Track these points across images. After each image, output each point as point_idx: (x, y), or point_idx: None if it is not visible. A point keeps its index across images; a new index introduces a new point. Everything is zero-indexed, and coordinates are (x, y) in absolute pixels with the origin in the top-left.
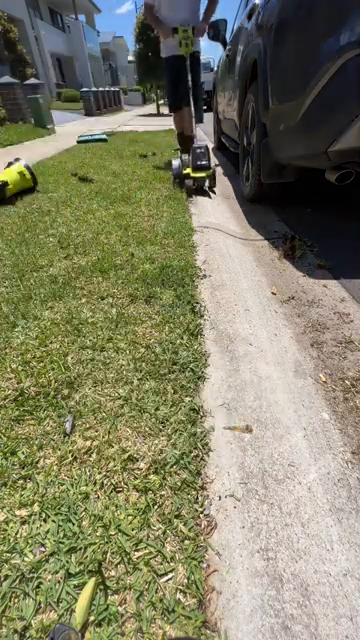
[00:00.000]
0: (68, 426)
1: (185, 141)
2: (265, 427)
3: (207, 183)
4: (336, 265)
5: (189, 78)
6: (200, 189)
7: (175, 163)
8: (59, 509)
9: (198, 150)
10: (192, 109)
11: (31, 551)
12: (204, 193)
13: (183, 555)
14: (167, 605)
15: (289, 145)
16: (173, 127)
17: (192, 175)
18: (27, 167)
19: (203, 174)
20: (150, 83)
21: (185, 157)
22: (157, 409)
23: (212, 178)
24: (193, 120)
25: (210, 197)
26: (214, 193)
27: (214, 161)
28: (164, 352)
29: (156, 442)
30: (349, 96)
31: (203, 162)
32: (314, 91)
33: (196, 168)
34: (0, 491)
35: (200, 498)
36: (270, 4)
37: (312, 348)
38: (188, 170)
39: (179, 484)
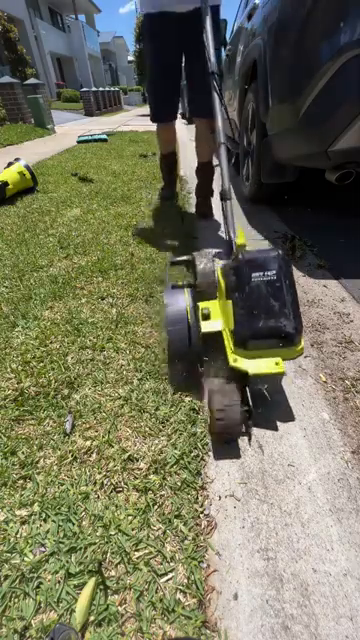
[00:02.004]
0: (68, 426)
1: (203, 171)
2: (265, 427)
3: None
4: (336, 265)
5: (211, 53)
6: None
7: (174, 306)
8: (59, 509)
9: (257, 275)
10: (218, 119)
11: (31, 551)
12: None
13: (183, 555)
14: (167, 605)
15: (289, 145)
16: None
17: (237, 366)
18: (27, 167)
19: (276, 365)
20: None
21: (206, 268)
22: (157, 409)
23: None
24: (220, 136)
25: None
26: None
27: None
28: (164, 352)
29: (156, 442)
30: (349, 96)
31: (279, 321)
32: (314, 91)
33: (253, 337)
34: (0, 491)
35: (200, 498)
36: (270, 4)
37: (312, 348)
38: (215, 322)
39: (179, 484)
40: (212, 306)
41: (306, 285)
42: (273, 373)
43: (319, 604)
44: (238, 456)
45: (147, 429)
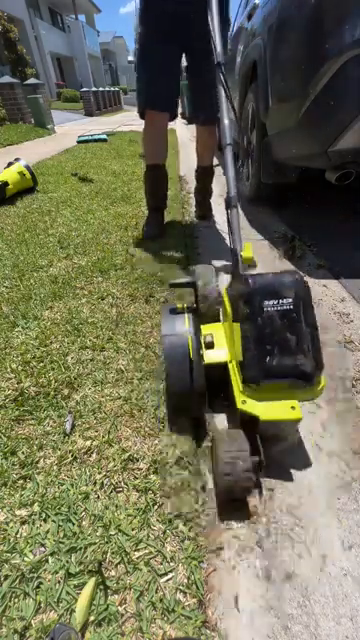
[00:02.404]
0: (68, 426)
1: (204, 174)
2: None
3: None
4: (336, 265)
5: (218, 44)
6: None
7: (173, 337)
8: (59, 509)
9: (272, 304)
10: (224, 116)
11: (31, 551)
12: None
13: (183, 555)
14: (167, 605)
15: (289, 145)
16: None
17: (246, 409)
18: (27, 167)
19: (292, 410)
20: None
21: (209, 290)
22: (157, 409)
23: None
24: (226, 136)
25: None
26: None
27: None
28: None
29: (156, 442)
30: (349, 96)
31: (296, 359)
32: (314, 91)
33: (265, 375)
34: (0, 491)
35: (200, 498)
36: (270, 4)
37: None
38: (220, 352)
39: (179, 484)
40: (216, 331)
41: None
42: (288, 419)
43: (319, 604)
44: None
45: (147, 429)
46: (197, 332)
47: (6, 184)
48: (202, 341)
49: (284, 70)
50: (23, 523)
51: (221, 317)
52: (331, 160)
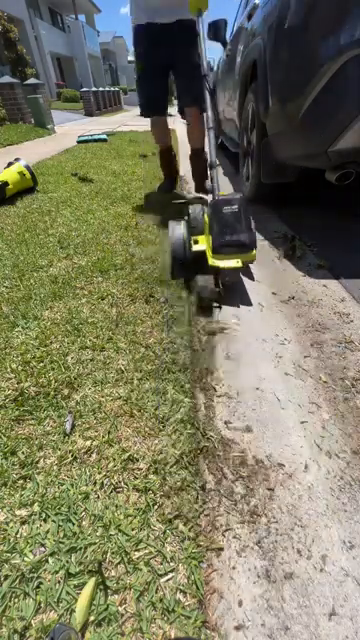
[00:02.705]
0: (68, 426)
1: (196, 156)
2: (265, 427)
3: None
4: (336, 265)
5: (203, 56)
6: (226, 288)
7: (175, 231)
8: (59, 509)
9: (227, 208)
10: (208, 110)
11: (31, 551)
12: (235, 297)
13: (183, 555)
14: (167, 605)
15: (289, 145)
16: (172, 129)
17: (213, 264)
18: (27, 167)
19: (238, 262)
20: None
21: (196, 212)
22: (157, 409)
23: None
24: (211, 135)
25: (250, 302)
26: (252, 279)
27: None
28: (164, 352)
29: (156, 442)
30: (349, 96)
31: (239, 236)
32: (314, 91)
33: (223, 247)
34: (0, 491)
35: (200, 498)
36: (270, 4)
37: (312, 348)
38: (202, 243)
39: (179, 484)
40: (200, 238)
41: (306, 285)
42: (235, 267)
43: (319, 604)
44: (238, 457)
45: (147, 429)
46: (189, 233)
47: (6, 184)
48: (192, 241)
49: (284, 70)
50: (23, 523)
51: (205, 232)
52: (331, 160)
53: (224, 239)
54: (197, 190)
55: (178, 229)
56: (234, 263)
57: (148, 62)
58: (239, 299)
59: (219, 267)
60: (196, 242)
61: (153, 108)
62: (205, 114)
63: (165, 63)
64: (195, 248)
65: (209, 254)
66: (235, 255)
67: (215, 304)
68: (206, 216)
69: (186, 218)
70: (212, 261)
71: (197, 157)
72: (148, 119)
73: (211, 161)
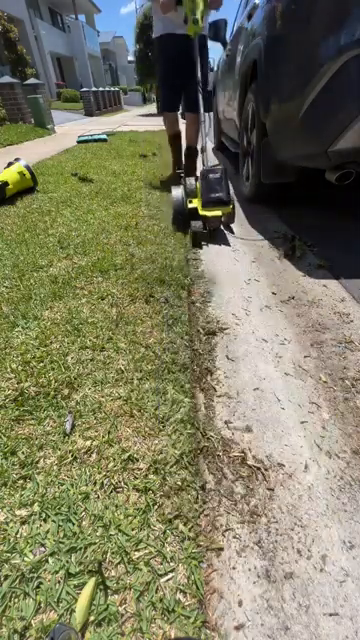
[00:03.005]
0: (68, 426)
1: (189, 154)
2: (265, 427)
3: (223, 218)
4: (336, 265)
5: (198, 69)
6: (212, 232)
7: (175, 193)
8: (59, 509)
9: (212, 176)
10: (202, 113)
11: (31, 551)
12: (219, 238)
13: (183, 555)
14: (167, 605)
15: (289, 145)
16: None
17: (202, 213)
18: (27, 167)
19: (219, 212)
20: (150, 83)
21: (191, 182)
22: (157, 409)
23: (232, 215)
24: (202, 127)
25: (228, 243)
26: (232, 232)
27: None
28: (164, 352)
29: (156, 442)
30: (349, 96)
31: (219, 194)
32: (314, 91)
33: (209, 202)
34: (0, 491)
35: (200, 498)
36: (270, 4)
37: (312, 348)
38: (195, 203)
39: (179, 484)
40: (194, 199)
41: (306, 285)
42: (217, 215)
43: (319, 604)
44: (238, 457)
45: (147, 429)
46: (186, 196)
47: (6, 184)
48: (187, 202)
49: (284, 70)
50: (23, 523)
51: (197, 194)
52: (331, 160)
53: (210, 197)
54: (180, 166)
55: (178, 193)
56: (216, 213)
57: (170, 63)
58: (220, 241)
59: (206, 216)
60: (191, 202)
61: (173, 105)
62: (199, 114)
63: (187, 65)
64: (190, 206)
65: (200, 208)
66: (217, 208)
67: (203, 243)
68: (197, 184)
69: (183, 186)
70: (202, 212)
71: (190, 153)
72: (147, 119)
73: (202, 146)
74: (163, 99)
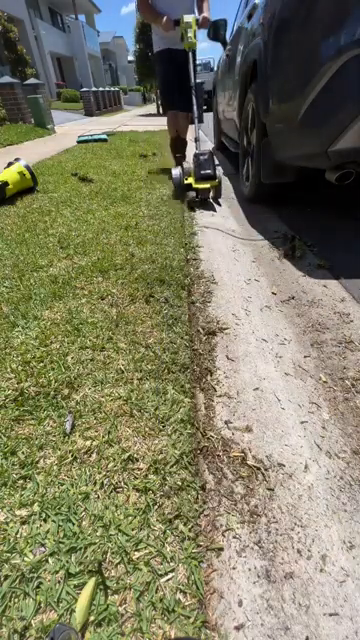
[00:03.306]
0: (68, 426)
1: (182, 146)
2: (265, 427)
3: (212, 194)
4: (336, 265)
5: (192, 76)
6: (204, 202)
7: (175, 172)
8: (59, 509)
9: (202, 157)
10: (195, 111)
11: (31, 551)
12: (208, 206)
13: (183, 555)
14: (167, 605)
15: (289, 145)
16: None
17: (195, 186)
18: (27, 167)
19: (207, 185)
20: (150, 83)
21: (187, 165)
22: (157, 409)
23: (217, 188)
24: (196, 122)
25: (215, 210)
26: (219, 205)
27: (219, 169)
28: (164, 352)
29: (156, 442)
30: (349, 96)
31: (208, 171)
32: (314, 91)
33: (200, 178)
34: (0, 491)
35: (200, 498)
36: (270, 4)
37: (312, 348)
38: (190, 180)
39: (179, 484)
40: (189, 177)
41: (306, 285)
42: (206, 187)
43: (319, 604)
44: (238, 457)
45: (147, 429)
46: (183, 174)
47: (6, 184)
48: (184, 178)
49: (284, 70)
50: (23, 523)
51: (191, 173)
52: (331, 160)
53: (200, 174)
54: (176, 163)
55: (177, 172)
56: (205, 185)
57: (170, 73)
58: (210, 209)
59: (198, 188)
60: (187, 179)
61: (172, 104)
62: (192, 112)
63: (184, 73)
64: (186, 182)
65: (194, 183)
66: (206, 182)
67: (196, 208)
68: (192, 165)
69: (181, 167)
70: (195, 185)
71: (182, 144)
72: (147, 119)
73: (196, 137)
74: (168, 102)
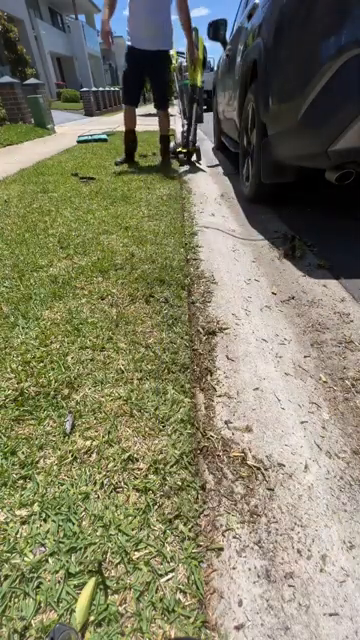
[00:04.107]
0: (68, 426)
1: (162, 140)
2: (265, 427)
3: (194, 157)
4: (336, 265)
5: (199, 81)
6: (188, 161)
7: (172, 145)
8: (59, 509)
9: (184, 133)
10: (189, 107)
11: (31, 551)
12: (191, 164)
13: (183, 555)
14: (167, 605)
15: (289, 145)
16: (171, 127)
17: (178, 150)
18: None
19: (185, 150)
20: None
21: (177, 142)
22: (157, 409)
23: (197, 153)
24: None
25: (195, 166)
26: (199, 164)
27: (203, 144)
28: (164, 352)
29: (156, 442)
30: (349, 96)
31: (189, 141)
32: (314, 91)
33: (185, 144)
34: (0, 491)
35: (200, 498)
36: (270, 4)
37: (312, 348)
38: (182, 150)
39: (179, 484)
40: (180, 148)
41: (306, 285)
42: (184, 151)
43: (319, 604)
44: (239, 457)
45: (147, 429)
46: (176, 146)
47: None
48: (177, 148)
49: (284, 70)
50: (23, 523)
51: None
52: (331, 160)
53: (182, 143)
54: (162, 161)
55: (172, 144)
56: (184, 150)
57: (134, 72)
58: (195, 168)
59: (182, 151)
60: (178, 147)
61: (133, 101)
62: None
63: (142, 75)
64: (178, 149)
65: (183, 149)
66: (186, 148)
67: (184, 165)
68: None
69: (174, 142)
70: (178, 149)
71: (163, 140)
72: (148, 119)
73: (193, 139)
74: (127, 97)
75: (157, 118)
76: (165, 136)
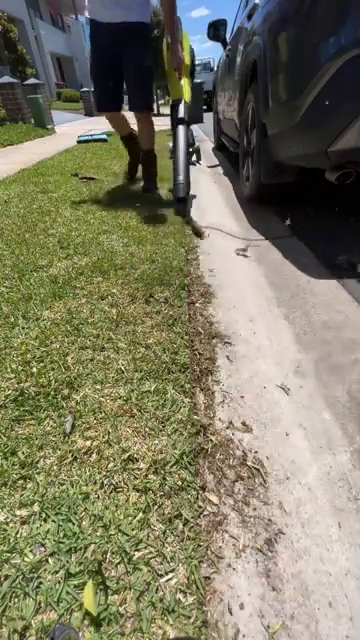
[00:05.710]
0: (68, 426)
1: (147, 159)
2: (265, 427)
3: (194, 157)
4: (336, 265)
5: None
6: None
7: (169, 144)
8: (59, 509)
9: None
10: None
11: (31, 551)
12: (191, 164)
13: (183, 555)
14: (167, 605)
15: (289, 145)
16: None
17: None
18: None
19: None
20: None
21: (170, 146)
22: (157, 409)
23: (197, 153)
24: (184, 133)
25: (195, 166)
26: (199, 164)
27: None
28: (164, 352)
29: (156, 442)
30: (349, 96)
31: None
32: (314, 91)
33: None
34: (0, 491)
35: (200, 498)
36: (270, 4)
37: (312, 348)
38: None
39: (179, 484)
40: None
41: (307, 285)
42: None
43: (319, 604)
44: (239, 458)
45: (147, 429)
46: (172, 145)
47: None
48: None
49: (284, 70)
50: (23, 523)
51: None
52: (331, 160)
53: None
54: (144, 187)
55: (170, 144)
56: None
57: (94, 61)
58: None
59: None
60: (173, 146)
61: (102, 105)
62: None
63: (114, 61)
64: (170, 145)
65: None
66: (178, 196)
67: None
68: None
69: (171, 142)
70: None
71: (147, 159)
72: (155, 117)
73: (194, 146)
74: (97, 99)
75: (140, 123)
76: (148, 153)
